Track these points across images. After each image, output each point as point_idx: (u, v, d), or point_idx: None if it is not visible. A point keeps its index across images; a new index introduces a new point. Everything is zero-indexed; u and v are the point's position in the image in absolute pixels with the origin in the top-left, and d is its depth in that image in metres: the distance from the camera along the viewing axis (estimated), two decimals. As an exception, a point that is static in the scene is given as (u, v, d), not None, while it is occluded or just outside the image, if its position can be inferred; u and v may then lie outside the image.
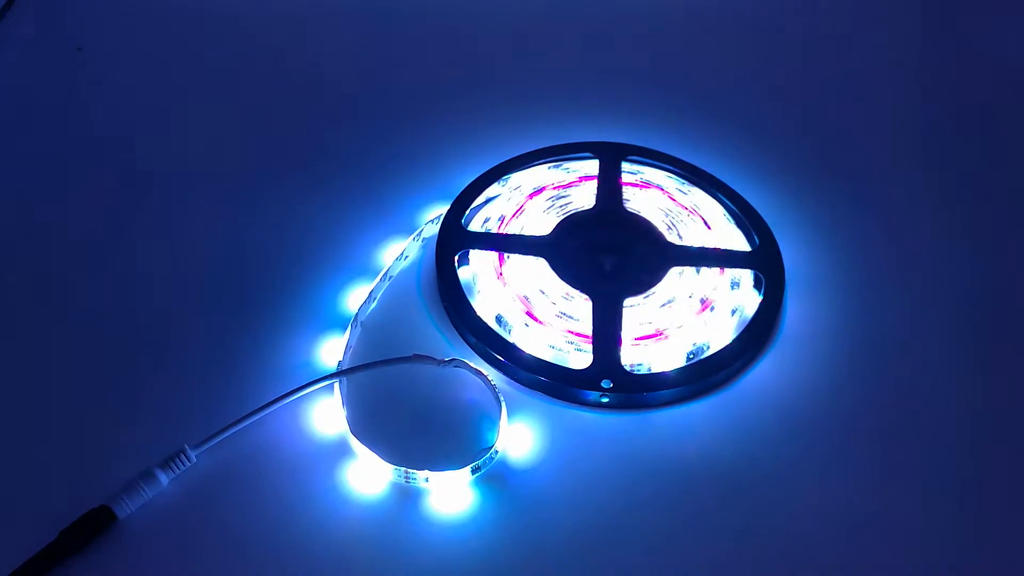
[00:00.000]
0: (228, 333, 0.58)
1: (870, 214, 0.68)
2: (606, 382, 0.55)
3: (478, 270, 0.62)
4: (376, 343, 0.58)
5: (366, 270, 0.62)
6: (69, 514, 0.48)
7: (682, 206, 0.66)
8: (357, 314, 0.59)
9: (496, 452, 0.53)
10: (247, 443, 0.53)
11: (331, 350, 0.57)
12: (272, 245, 0.64)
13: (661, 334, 0.58)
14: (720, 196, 0.66)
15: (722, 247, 0.63)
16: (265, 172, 0.69)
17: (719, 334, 0.58)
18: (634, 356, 0.57)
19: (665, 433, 0.55)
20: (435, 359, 0.56)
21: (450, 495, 0.51)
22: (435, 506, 0.51)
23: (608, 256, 0.62)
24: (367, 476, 0.52)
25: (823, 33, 0.85)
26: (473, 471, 0.52)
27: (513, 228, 0.64)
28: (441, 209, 0.65)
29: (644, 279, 0.60)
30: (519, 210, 0.65)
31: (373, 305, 0.61)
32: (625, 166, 0.68)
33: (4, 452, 0.52)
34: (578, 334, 0.58)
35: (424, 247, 0.64)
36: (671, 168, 0.68)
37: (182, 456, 0.51)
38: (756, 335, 0.58)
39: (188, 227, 0.65)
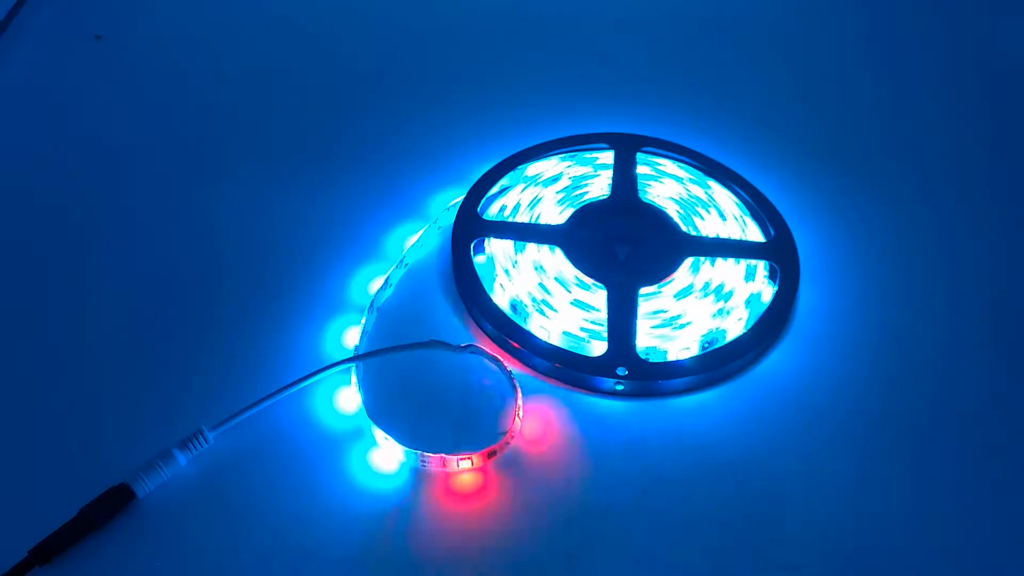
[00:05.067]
0: (247, 317, 0.59)
1: (885, 206, 0.68)
2: (621, 369, 0.55)
3: (494, 258, 0.62)
4: (393, 329, 0.59)
5: (383, 257, 0.62)
6: (90, 491, 0.49)
7: (698, 197, 0.66)
8: (374, 300, 0.59)
9: (511, 437, 0.53)
10: (264, 426, 0.53)
11: (348, 335, 0.58)
12: (290, 232, 0.64)
13: (675, 323, 0.58)
14: (735, 187, 0.66)
15: (737, 238, 0.63)
16: (284, 161, 0.70)
17: (733, 323, 0.59)
18: (649, 344, 0.57)
19: (679, 421, 0.55)
20: (451, 345, 0.56)
21: (465, 479, 0.51)
22: (450, 490, 0.51)
23: (623, 245, 0.62)
24: (383, 459, 0.52)
25: (838, 25, 0.85)
26: (488, 455, 0.52)
27: (528, 217, 0.64)
28: (457, 197, 0.65)
29: (659, 269, 0.61)
30: (535, 199, 0.65)
31: (390, 291, 0.61)
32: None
33: (27, 430, 0.53)
34: (593, 322, 0.58)
35: (440, 235, 0.65)
36: (686, 159, 0.68)
37: (199, 437, 0.51)
38: (770, 325, 0.59)
39: (207, 215, 0.66)
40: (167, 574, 0.48)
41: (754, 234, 0.64)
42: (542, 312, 0.58)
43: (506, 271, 0.61)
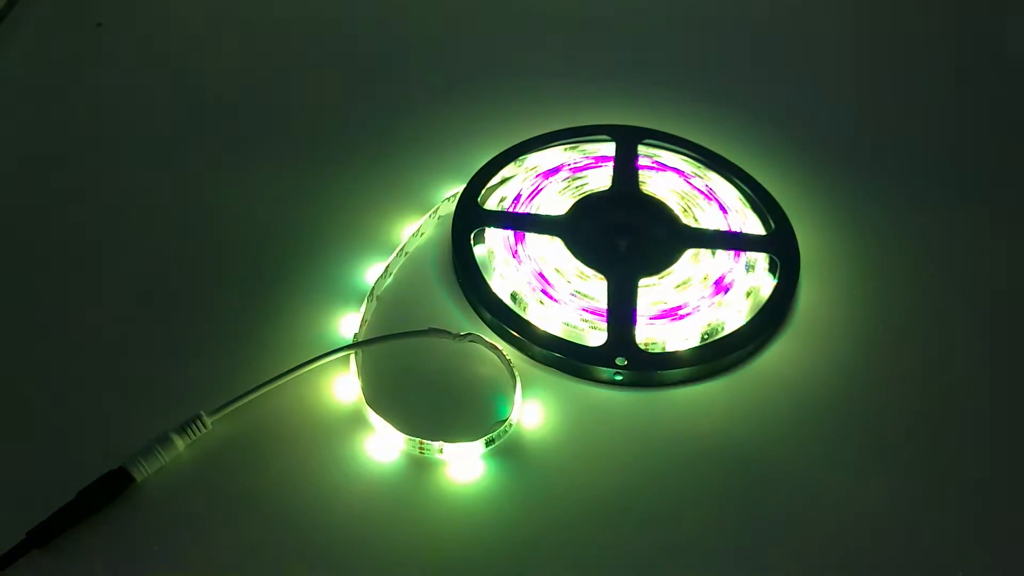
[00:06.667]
0: (247, 304, 0.59)
1: (885, 199, 0.68)
2: (621, 359, 0.55)
3: (493, 248, 0.62)
4: (392, 317, 0.59)
5: (383, 246, 0.62)
6: (88, 475, 0.48)
7: (698, 189, 0.66)
8: (373, 288, 0.59)
9: (510, 426, 0.53)
10: (263, 412, 0.53)
11: (347, 323, 0.58)
12: (291, 220, 0.64)
13: (675, 314, 0.58)
14: (736, 180, 0.66)
15: (737, 230, 0.63)
16: (284, 151, 0.70)
17: (733, 316, 0.59)
18: (648, 335, 0.57)
19: (677, 411, 0.55)
20: (450, 333, 0.56)
21: (464, 467, 0.51)
22: (448, 478, 0.51)
23: (623, 237, 0.62)
24: (381, 447, 0.52)
25: (840, 19, 0.85)
26: (487, 444, 0.52)
27: (528, 207, 0.64)
28: (458, 187, 0.65)
29: (659, 260, 0.61)
30: (535, 190, 0.65)
31: (389, 280, 0.61)
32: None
33: (25, 413, 0.53)
34: (593, 312, 0.58)
35: (440, 224, 0.65)
36: (687, 152, 0.68)
37: (198, 422, 0.51)
38: (770, 318, 0.59)
39: (208, 202, 0.66)
40: (164, 558, 0.47)
41: (755, 227, 0.64)
42: (541, 302, 0.58)
43: (506, 261, 0.61)
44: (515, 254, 0.61)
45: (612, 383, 0.56)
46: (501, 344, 0.57)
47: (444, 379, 0.55)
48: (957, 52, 0.82)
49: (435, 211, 0.64)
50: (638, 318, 0.57)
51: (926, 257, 0.64)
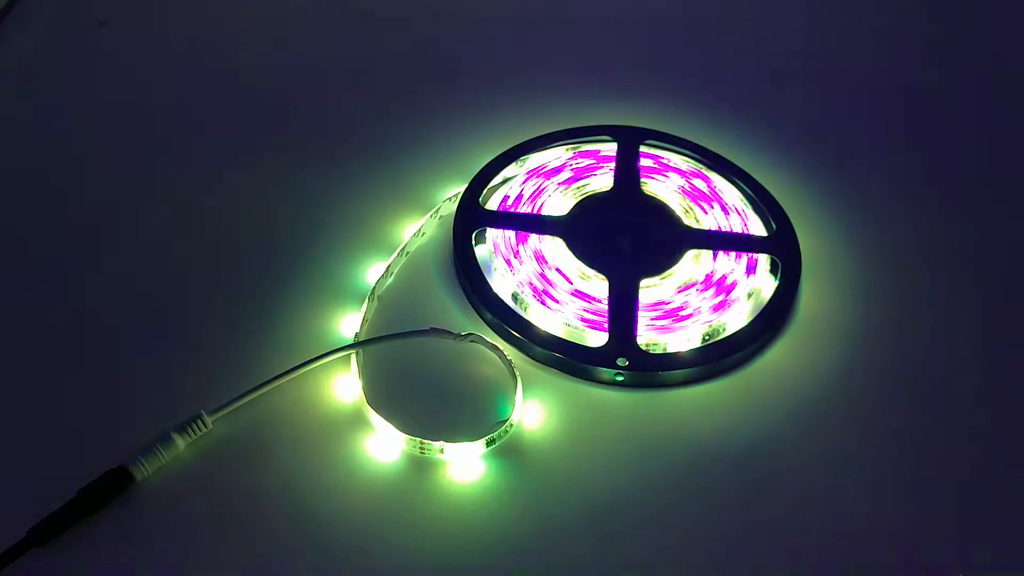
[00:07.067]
0: (248, 303, 0.59)
1: (886, 201, 0.68)
2: (622, 360, 0.55)
3: (495, 248, 0.62)
4: (393, 317, 0.59)
5: (384, 245, 0.62)
6: (88, 474, 0.48)
7: (700, 190, 0.66)
8: (374, 288, 0.59)
9: (511, 426, 0.53)
10: (264, 411, 0.53)
11: (348, 322, 0.58)
12: (293, 220, 0.64)
13: (677, 315, 0.58)
14: (737, 181, 0.66)
15: (739, 231, 0.63)
16: (286, 151, 0.70)
17: (735, 317, 0.59)
18: (649, 336, 0.57)
19: (678, 412, 0.55)
20: (452, 333, 0.56)
21: (464, 467, 0.51)
22: (449, 478, 0.51)
23: (625, 237, 0.62)
24: (382, 447, 0.52)
25: (842, 20, 0.85)
26: (488, 444, 0.52)
27: (530, 208, 0.64)
28: (459, 187, 0.65)
29: (661, 261, 0.61)
30: (537, 190, 0.65)
31: (390, 280, 0.61)
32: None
33: (26, 412, 0.53)
34: (594, 313, 0.58)
35: (442, 224, 0.65)
36: (689, 152, 0.68)
37: (199, 421, 0.51)
38: (771, 319, 0.58)
39: (210, 201, 0.66)
40: (164, 557, 0.47)
41: (757, 228, 0.64)
42: (542, 302, 0.58)
43: (507, 261, 0.61)
44: (516, 254, 0.61)
45: (613, 384, 0.56)
46: (502, 344, 0.57)
47: (445, 379, 0.55)
48: (957, 52, 0.82)
49: (436, 211, 0.64)
50: (639, 319, 0.57)
51: (927, 258, 0.64)
